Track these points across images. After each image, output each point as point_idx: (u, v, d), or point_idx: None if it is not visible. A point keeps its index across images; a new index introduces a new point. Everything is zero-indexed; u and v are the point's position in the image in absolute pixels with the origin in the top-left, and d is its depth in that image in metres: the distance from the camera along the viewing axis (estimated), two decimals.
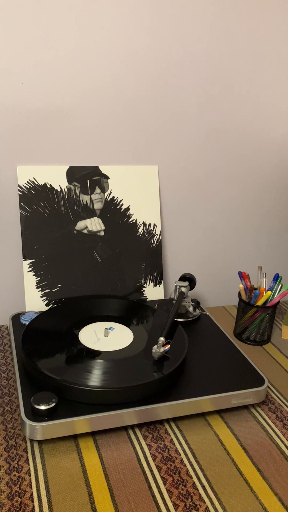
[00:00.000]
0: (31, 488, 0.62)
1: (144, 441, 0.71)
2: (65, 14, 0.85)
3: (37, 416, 0.67)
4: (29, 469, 0.64)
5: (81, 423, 0.67)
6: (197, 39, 0.94)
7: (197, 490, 0.63)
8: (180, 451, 0.69)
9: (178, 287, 0.97)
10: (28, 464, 0.65)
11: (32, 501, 0.60)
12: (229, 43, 0.96)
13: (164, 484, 0.64)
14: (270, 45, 0.99)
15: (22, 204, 0.93)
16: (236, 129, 1.04)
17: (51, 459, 0.66)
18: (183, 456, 0.68)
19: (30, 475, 0.63)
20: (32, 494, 0.61)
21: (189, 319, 0.95)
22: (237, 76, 0.99)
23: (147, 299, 1.02)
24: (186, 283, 0.98)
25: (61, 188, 0.95)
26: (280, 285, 0.96)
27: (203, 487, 0.64)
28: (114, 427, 0.70)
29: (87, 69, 0.90)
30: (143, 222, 1.01)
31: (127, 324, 0.87)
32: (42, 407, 0.67)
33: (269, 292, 0.94)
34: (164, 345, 0.78)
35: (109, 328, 0.84)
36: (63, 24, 0.86)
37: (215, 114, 1.01)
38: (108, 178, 0.98)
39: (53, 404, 0.67)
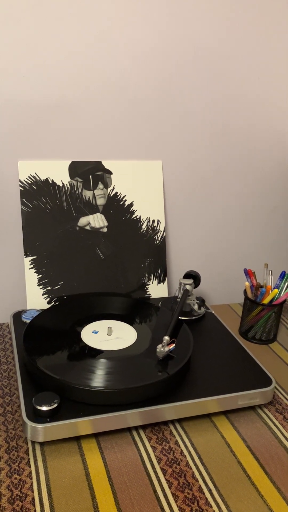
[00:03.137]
0: (33, 491, 0.60)
1: (148, 442, 0.69)
2: (68, 6, 0.83)
3: (38, 417, 0.65)
4: (30, 472, 0.62)
5: (84, 425, 0.66)
6: (202, 34, 0.92)
7: (204, 494, 0.61)
8: (186, 453, 0.67)
9: (182, 284, 0.95)
10: (30, 467, 0.63)
11: (34, 505, 0.58)
12: (235, 38, 0.94)
13: (170, 488, 0.62)
14: (278, 40, 0.96)
15: (23, 199, 0.91)
16: (242, 124, 1.01)
17: (53, 462, 0.64)
18: (188, 458, 0.67)
19: (31, 478, 0.62)
20: (33, 498, 0.59)
21: (194, 318, 0.93)
22: (243, 71, 0.97)
23: (151, 297, 1.00)
24: (190, 281, 0.96)
25: (63, 184, 0.93)
26: (286, 283, 0.94)
27: (210, 490, 0.62)
28: (117, 428, 0.68)
29: (90, 62, 0.88)
30: (146, 219, 0.99)
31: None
32: (44, 408, 0.65)
33: (276, 290, 0.92)
34: (168, 344, 0.76)
35: (93, 331, 0.81)
36: (66, 16, 0.84)
37: (221, 109, 0.99)
38: (111, 173, 0.96)
39: (55, 405, 0.65)
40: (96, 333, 0.80)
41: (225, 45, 0.94)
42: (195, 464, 0.66)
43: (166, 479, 0.63)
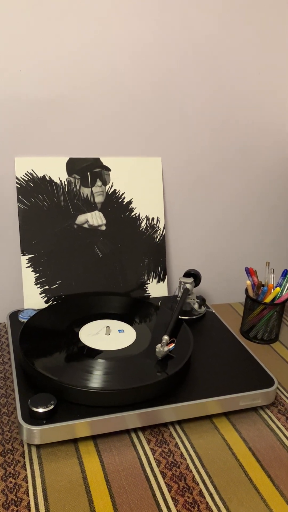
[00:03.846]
0: (28, 496, 0.58)
1: (147, 445, 0.67)
2: (67, 3, 0.82)
3: (34, 419, 0.63)
4: (26, 476, 0.61)
5: (81, 427, 0.64)
6: (202, 29, 0.90)
7: (204, 498, 0.60)
8: (186, 456, 0.66)
9: (182, 283, 0.94)
10: (25, 470, 0.62)
11: (29, 510, 0.56)
12: (235, 32, 0.92)
13: (169, 492, 0.60)
14: (278, 35, 0.95)
15: (20, 197, 0.89)
16: (242, 121, 1.00)
17: (49, 465, 0.63)
18: (188, 461, 0.65)
19: (27, 482, 0.60)
20: (29, 503, 0.57)
21: (194, 317, 0.92)
22: (243, 66, 0.95)
23: (150, 296, 0.98)
24: (191, 280, 0.94)
25: (60, 181, 0.91)
26: None
27: (211, 494, 0.60)
28: (116, 430, 0.66)
29: (89, 57, 0.86)
30: (146, 216, 0.97)
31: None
32: (40, 410, 0.63)
33: (278, 288, 0.90)
34: (168, 343, 0.74)
35: (119, 330, 0.79)
36: (64, 10, 0.82)
37: (221, 105, 0.97)
38: (109, 170, 0.94)
39: (52, 407, 0.64)
40: (121, 331, 0.78)
41: (224, 40, 0.92)
42: (196, 467, 0.64)
43: (165, 483, 0.61)
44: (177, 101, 0.94)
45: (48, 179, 0.90)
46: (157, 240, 0.98)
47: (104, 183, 0.94)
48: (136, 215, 0.97)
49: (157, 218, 0.98)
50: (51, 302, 0.92)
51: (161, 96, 0.93)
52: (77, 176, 0.92)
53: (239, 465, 0.65)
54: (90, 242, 0.94)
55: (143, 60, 0.89)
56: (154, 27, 0.88)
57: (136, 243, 0.97)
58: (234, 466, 0.65)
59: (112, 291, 0.95)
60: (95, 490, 0.59)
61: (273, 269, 0.96)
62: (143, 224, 0.97)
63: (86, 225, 0.93)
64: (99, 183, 0.94)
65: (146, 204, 0.97)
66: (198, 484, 0.61)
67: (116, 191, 0.95)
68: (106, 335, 0.79)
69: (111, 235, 0.95)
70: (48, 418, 0.63)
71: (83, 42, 0.85)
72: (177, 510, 0.58)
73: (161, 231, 0.98)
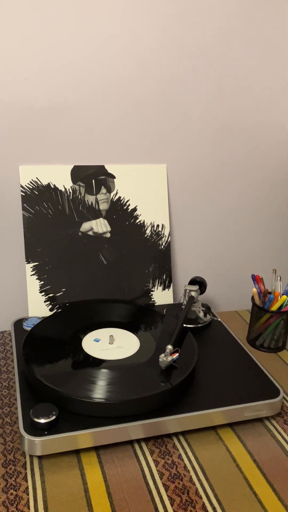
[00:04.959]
0: (29, 508, 0.57)
1: (150, 456, 0.66)
2: (69, 6, 0.81)
3: (36, 429, 0.63)
4: (27, 487, 0.60)
5: (83, 437, 0.63)
6: (206, 34, 0.89)
7: None
8: (189, 467, 0.65)
9: (187, 291, 0.93)
10: (27, 482, 0.61)
11: None
12: (238, 36, 0.91)
13: (172, 505, 0.59)
14: (280, 36, 0.94)
15: (25, 205, 0.89)
16: (246, 124, 0.99)
17: (51, 476, 0.62)
18: (192, 473, 0.64)
19: (28, 494, 0.59)
20: None
21: (199, 325, 0.91)
22: (247, 70, 0.94)
23: (155, 304, 0.98)
24: (196, 287, 0.93)
25: (65, 188, 0.91)
26: None
27: (214, 509, 0.59)
28: (118, 441, 0.66)
29: (92, 65, 0.86)
30: (151, 223, 0.97)
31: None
32: (42, 420, 0.63)
33: (284, 296, 0.89)
34: (172, 353, 0.73)
35: (95, 340, 0.77)
36: (67, 19, 0.82)
37: (225, 110, 0.96)
38: (114, 177, 0.94)
39: (53, 417, 0.63)
40: (97, 341, 0.77)
41: (226, 43, 0.91)
42: (199, 480, 0.63)
43: (168, 496, 0.60)
44: (181, 107, 0.94)
45: (52, 187, 0.90)
46: (162, 247, 0.98)
47: (109, 190, 0.94)
48: (141, 222, 0.96)
49: (162, 225, 0.97)
50: (55, 310, 0.91)
51: (165, 103, 0.92)
52: (81, 184, 0.92)
53: (243, 478, 0.64)
54: (95, 249, 0.94)
55: (147, 67, 0.89)
56: (158, 33, 0.87)
57: (141, 250, 0.96)
58: (239, 479, 0.64)
59: (117, 299, 0.94)
60: (96, 503, 0.59)
61: (280, 277, 0.94)
62: (148, 231, 0.96)
63: (90, 233, 0.93)
64: (103, 190, 0.93)
65: (151, 211, 0.96)
66: (201, 498, 0.60)
67: (121, 198, 0.95)
68: (110, 344, 0.78)
69: (116, 242, 0.95)
70: (50, 428, 0.63)
71: (87, 50, 0.85)
72: None
73: (166, 238, 0.98)
